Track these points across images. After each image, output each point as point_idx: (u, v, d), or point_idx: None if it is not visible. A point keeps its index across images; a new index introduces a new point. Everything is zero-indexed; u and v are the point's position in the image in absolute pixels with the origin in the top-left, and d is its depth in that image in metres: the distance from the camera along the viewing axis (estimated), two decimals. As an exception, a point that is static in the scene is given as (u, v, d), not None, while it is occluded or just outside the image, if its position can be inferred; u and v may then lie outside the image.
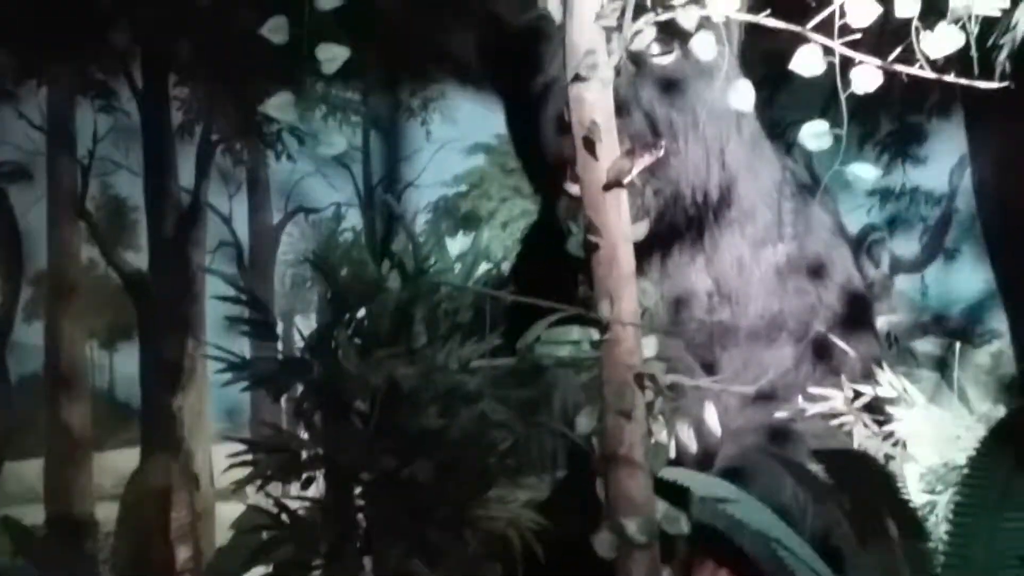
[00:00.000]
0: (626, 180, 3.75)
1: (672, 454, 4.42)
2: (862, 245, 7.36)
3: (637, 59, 4.11)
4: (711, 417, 4.48)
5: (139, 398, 5.87)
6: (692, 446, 4.40)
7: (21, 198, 5.65)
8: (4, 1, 5.50)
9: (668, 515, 3.72)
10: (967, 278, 7.12)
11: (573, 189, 3.75)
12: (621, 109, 4.32)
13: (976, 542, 3.97)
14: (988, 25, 4.55)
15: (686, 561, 4.68)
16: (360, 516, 3.47)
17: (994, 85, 3.79)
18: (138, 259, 5.86)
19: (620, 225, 3.66)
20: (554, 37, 3.82)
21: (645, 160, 4.67)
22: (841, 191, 7.32)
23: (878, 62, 3.56)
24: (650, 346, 3.80)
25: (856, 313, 5.13)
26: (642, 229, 3.75)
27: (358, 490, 3.44)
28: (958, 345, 4.97)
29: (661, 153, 4.65)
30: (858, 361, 4.96)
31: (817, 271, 5.07)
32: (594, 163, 3.65)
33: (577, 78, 3.64)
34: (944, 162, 7.11)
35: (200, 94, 5.85)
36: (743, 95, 3.90)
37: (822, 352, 5.01)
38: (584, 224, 3.69)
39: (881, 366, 4.91)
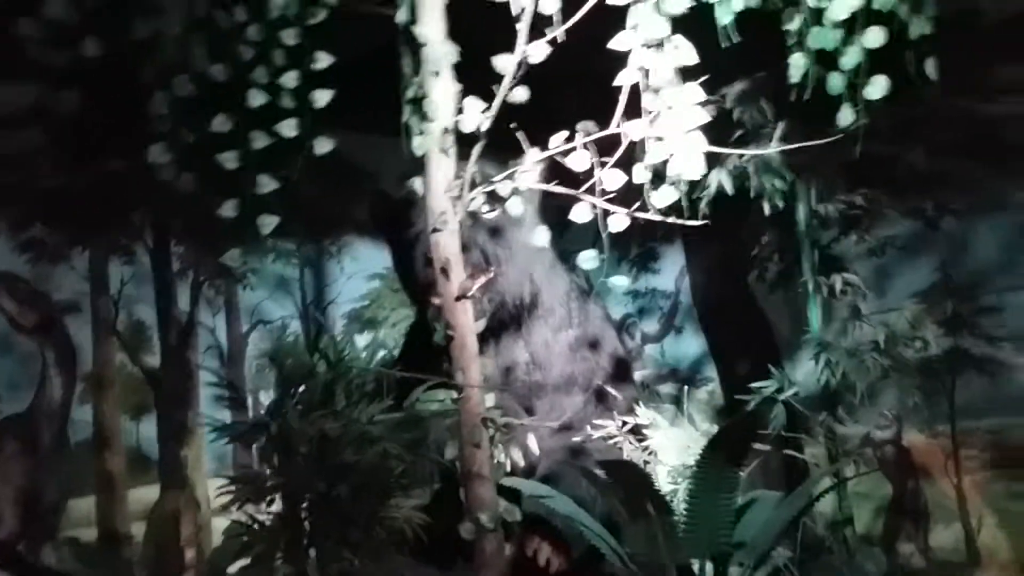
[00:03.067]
0: (469, 293, 3.73)
1: (508, 469, 4.40)
2: (623, 326, 7.38)
3: (475, 215, 4.04)
4: (532, 443, 4.43)
5: (157, 451, 5.69)
6: (520, 463, 4.33)
7: (73, 324, 5.45)
8: (65, 199, 5.37)
9: (507, 509, 3.69)
10: (689, 344, 7.18)
11: (436, 301, 3.71)
12: (465, 248, 4.30)
13: (703, 515, 3.98)
14: (693, 185, 4.64)
15: (520, 539, 4.62)
16: (305, 523, 3.36)
17: (697, 223, 3.81)
18: (153, 360, 5.68)
19: (467, 323, 3.65)
20: (419, 204, 3.75)
21: (481, 280, 4.64)
22: (608, 293, 7.39)
23: (624, 211, 3.57)
24: (490, 399, 3.78)
25: (620, 371, 5.14)
26: (481, 324, 3.74)
27: (304, 506, 3.33)
28: (686, 388, 4.95)
29: (492, 275, 4.62)
30: (623, 402, 4.96)
31: (594, 345, 5.08)
32: (448, 284, 3.63)
33: (435, 230, 3.63)
34: (671, 271, 7.15)
35: (190, 250, 5.73)
36: (540, 235, 3.92)
37: (601, 397, 5.01)
38: (444, 323, 3.66)
39: (638, 404, 4.90)
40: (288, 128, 3.69)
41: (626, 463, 4.18)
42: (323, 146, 3.71)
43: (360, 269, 6.57)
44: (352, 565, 3.26)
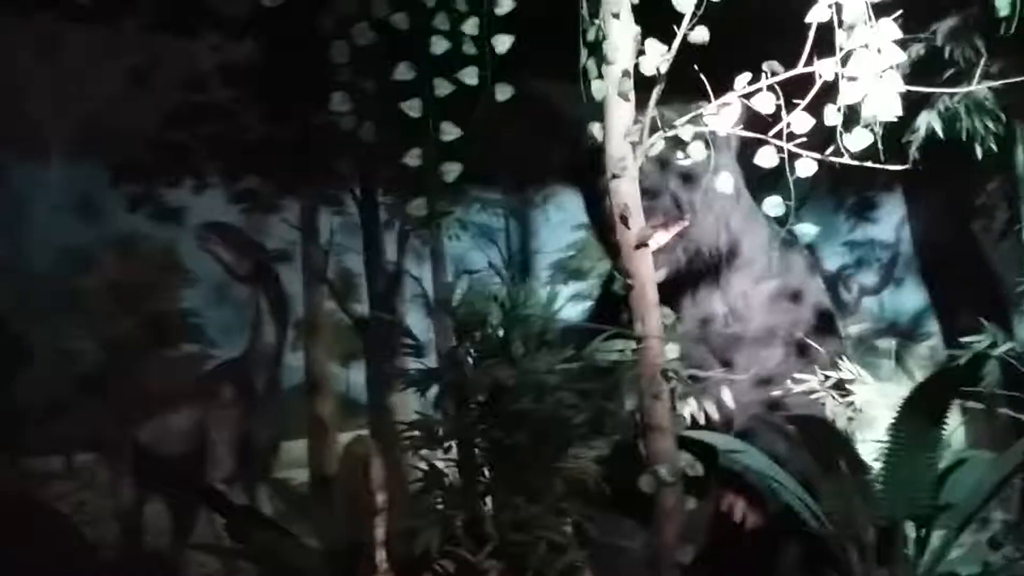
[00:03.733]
0: (652, 242, 3.65)
1: (702, 421, 4.31)
2: (839, 278, 7.15)
3: (666, 162, 3.93)
4: (727, 396, 4.31)
5: (366, 397, 5.84)
6: (715, 416, 4.22)
7: (285, 273, 5.63)
8: (274, 150, 5.53)
9: (688, 462, 3.61)
10: (910, 297, 6.89)
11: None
12: (656, 195, 4.22)
13: (900, 474, 3.80)
14: (901, 129, 4.41)
15: (716, 493, 4.52)
16: (482, 470, 3.36)
17: (900, 167, 3.61)
18: (362, 308, 5.80)
19: (647, 272, 3.57)
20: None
21: (675, 229, 4.57)
22: (825, 243, 7.15)
23: (811, 155, 3.42)
24: (673, 351, 3.70)
25: (824, 323, 4.92)
26: (662, 273, 3.65)
27: (478, 453, 3.33)
28: (898, 342, 4.72)
29: (687, 224, 4.53)
30: (827, 355, 4.75)
31: (796, 296, 4.89)
32: (627, 232, 3.55)
33: (614, 176, 3.55)
34: (891, 220, 6.86)
35: (397, 200, 5.83)
36: (724, 181, 3.79)
37: (802, 351, 4.81)
38: (623, 272, 3.60)
39: (842, 358, 4.70)
40: (470, 75, 3.66)
41: (816, 419, 4.02)
42: (504, 93, 3.67)
43: (566, 218, 6.52)
44: (528, 513, 3.21)
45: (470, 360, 3.36)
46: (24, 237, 5.25)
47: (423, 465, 3.39)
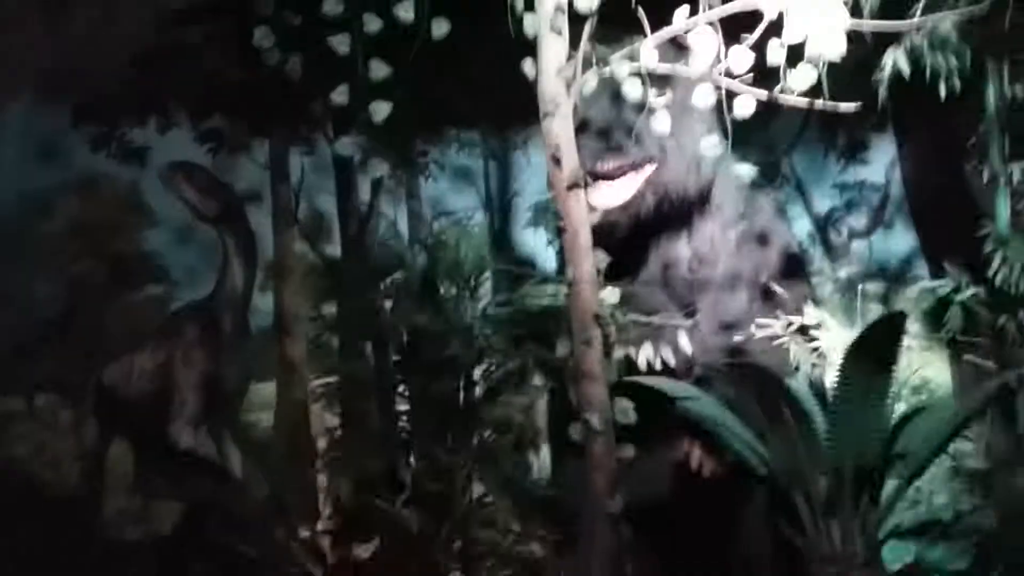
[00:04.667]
0: (623, 187, 3.52)
1: (657, 367, 4.23)
2: (829, 220, 6.99)
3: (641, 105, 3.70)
4: (684, 342, 4.21)
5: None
6: (671, 361, 4.13)
7: (253, 214, 5.53)
8: (246, 88, 5.39)
9: (622, 410, 3.50)
10: (900, 240, 6.71)
11: None
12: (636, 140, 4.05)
13: (847, 423, 3.68)
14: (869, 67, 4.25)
15: (671, 438, 4.44)
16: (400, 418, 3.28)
17: (851, 107, 3.46)
18: (333, 250, 5.69)
19: (579, 214, 3.44)
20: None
21: (644, 171, 4.44)
22: (815, 185, 6.99)
23: (750, 90, 3.28)
24: (613, 295, 3.58)
25: (792, 267, 4.79)
26: (596, 216, 3.52)
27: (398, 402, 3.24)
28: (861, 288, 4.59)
29: (655, 166, 4.41)
30: (792, 300, 4.62)
31: (762, 239, 4.75)
32: (559, 173, 3.43)
33: (546, 114, 3.43)
34: (881, 162, 6.66)
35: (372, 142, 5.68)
36: (711, 145, 3.61)
37: (768, 295, 4.68)
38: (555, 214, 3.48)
39: (809, 302, 4.59)
40: (405, 10, 3.54)
41: (758, 367, 3.90)
42: (440, 28, 3.55)
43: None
44: (449, 462, 3.13)
45: (387, 305, 3.26)
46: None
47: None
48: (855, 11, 3.95)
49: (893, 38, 4.20)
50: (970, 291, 4.34)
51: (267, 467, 4.04)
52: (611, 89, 3.68)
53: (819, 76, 3.32)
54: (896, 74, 4.27)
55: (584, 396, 3.40)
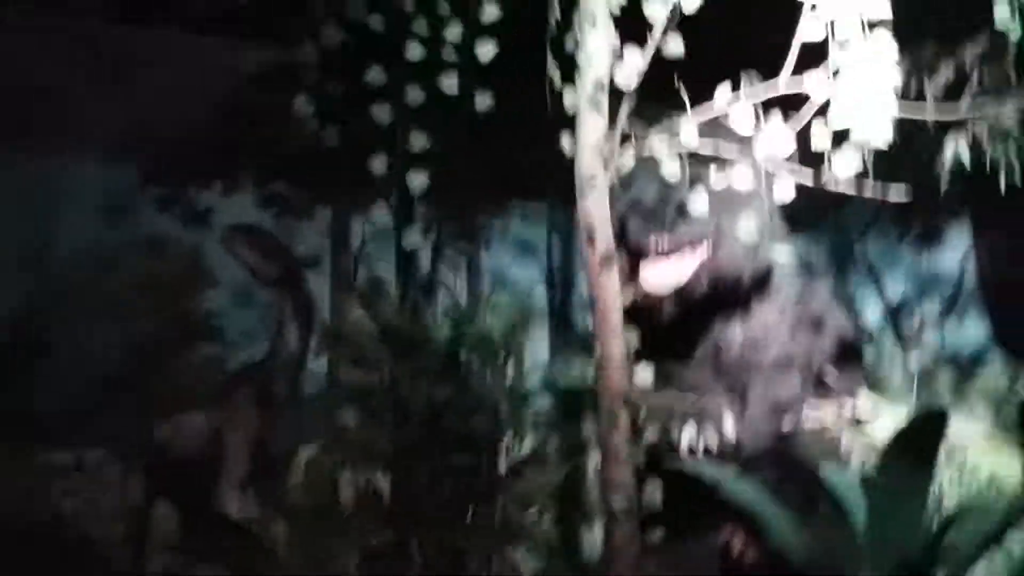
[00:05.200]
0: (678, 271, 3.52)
1: (699, 451, 4.14)
2: (902, 308, 6.83)
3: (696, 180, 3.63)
4: (728, 425, 4.11)
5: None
6: (713, 444, 4.04)
7: (313, 278, 5.55)
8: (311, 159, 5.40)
9: (649, 491, 3.40)
10: (972, 331, 6.52)
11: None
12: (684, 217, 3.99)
13: (886, 522, 3.53)
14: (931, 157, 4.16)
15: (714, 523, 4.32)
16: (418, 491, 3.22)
17: (900, 195, 3.37)
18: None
19: (611, 293, 3.37)
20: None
21: (700, 255, 4.37)
22: (890, 270, 6.84)
23: (791, 173, 3.20)
24: (646, 375, 3.49)
25: (847, 352, 4.67)
26: (627, 297, 3.44)
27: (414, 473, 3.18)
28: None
29: (707, 249, 4.34)
30: (844, 385, 4.50)
31: (816, 324, 4.63)
32: (592, 250, 3.37)
33: (582, 193, 3.38)
34: (955, 252, 6.51)
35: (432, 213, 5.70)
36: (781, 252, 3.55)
37: (820, 381, 4.57)
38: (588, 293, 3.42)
39: (862, 390, 4.47)
40: (449, 83, 3.53)
41: (790, 455, 3.78)
42: (484, 102, 3.54)
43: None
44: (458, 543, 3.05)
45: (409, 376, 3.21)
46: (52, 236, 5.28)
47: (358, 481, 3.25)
48: (920, 95, 3.91)
49: (956, 125, 4.12)
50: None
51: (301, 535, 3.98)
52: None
53: (864, 162, 3.24)
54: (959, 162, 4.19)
55: (606, 478, 3.31)
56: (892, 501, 3.48)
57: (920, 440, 3.41)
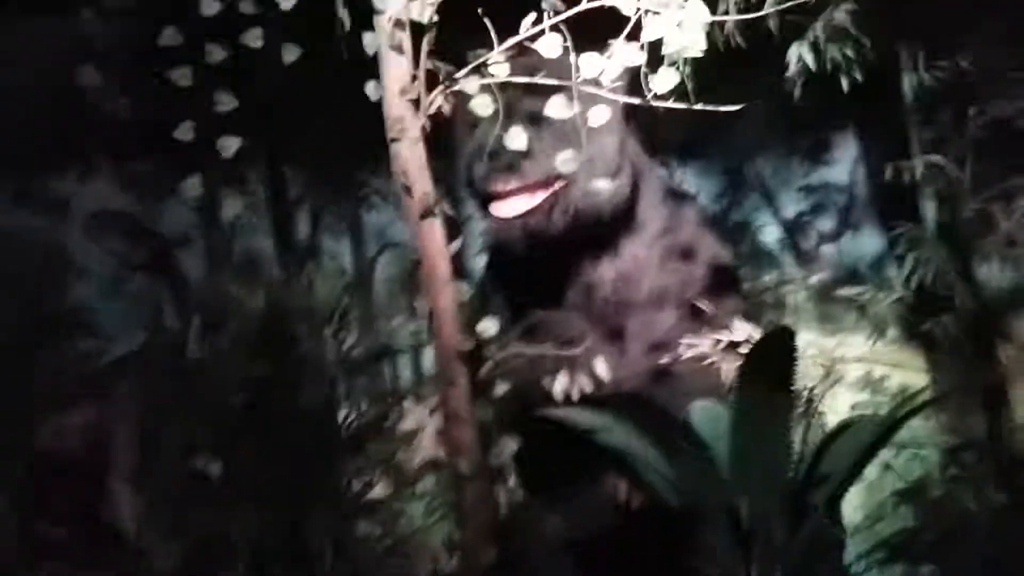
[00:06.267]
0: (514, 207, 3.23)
1: (575, 396, 3.98)
2: (797, 224, 6.65)
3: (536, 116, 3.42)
4: (601, 368, 3.92)
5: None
6: (587, 389, 3.87)
7: (186, 258, 5.31)
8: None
9: (495, 452, 3.22)
10: (869, 243, 6.37)
11: None
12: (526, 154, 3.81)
13: (747, 447, 3.38)
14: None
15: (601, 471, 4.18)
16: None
17: (727, 109, 3.18)
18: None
19: (435, 244, 3.17)
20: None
21: (540, 193, 4.19)
22: (780, 188, 6.66)
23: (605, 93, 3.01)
24: (490, 328, 3.30)
25: (722, 279, 4.50)
26: (455, 246, 3.24)
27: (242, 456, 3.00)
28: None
29: (556, 186, 4.15)
30: (722, 316, 4.34)
31: (687, 254, 4.46)
32: (411, 200, 3.17)
33: (393, 139, 3.17)
34: (845, 162, 6.34)
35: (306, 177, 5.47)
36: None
37: (695, 312, 4.40)
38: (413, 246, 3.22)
39: (740, 317, 4.30)
40: (254, 38, 3.30)
41: (633, 397, 3.63)
42: (291, 54, 3.31)
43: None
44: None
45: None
46: None
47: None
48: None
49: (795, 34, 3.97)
50: (894, 295, 4.05)
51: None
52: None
53: (682, 77, 3.05)
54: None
55: (451, 440, 3.13)
56: (752, 428, 3.33)
57: (769, 363, 3.26)
